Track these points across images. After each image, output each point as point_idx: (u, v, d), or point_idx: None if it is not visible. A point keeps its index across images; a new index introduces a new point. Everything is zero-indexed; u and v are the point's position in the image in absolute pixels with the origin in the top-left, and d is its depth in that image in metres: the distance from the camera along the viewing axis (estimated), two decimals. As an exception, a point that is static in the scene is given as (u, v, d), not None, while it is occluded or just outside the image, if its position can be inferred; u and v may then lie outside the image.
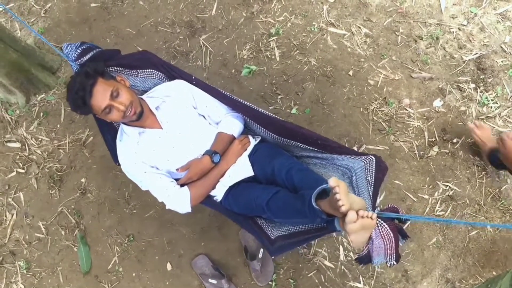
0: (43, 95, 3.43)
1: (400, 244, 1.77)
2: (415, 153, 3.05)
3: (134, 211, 3.12)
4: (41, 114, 3.39)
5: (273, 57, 3.39)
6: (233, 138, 2.36)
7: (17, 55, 3.17)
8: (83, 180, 3.21)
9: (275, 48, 3.41)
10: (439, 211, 2.94)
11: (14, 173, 3.27)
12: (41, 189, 3.21)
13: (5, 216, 3.19)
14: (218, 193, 2.33)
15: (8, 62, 3.11)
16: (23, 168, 3.26)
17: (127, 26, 3.57)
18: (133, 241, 3.07)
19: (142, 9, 3.63)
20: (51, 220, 3.16)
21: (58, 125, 3.35)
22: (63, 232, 3.12)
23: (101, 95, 2.07)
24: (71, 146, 3.29)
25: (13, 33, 3.27)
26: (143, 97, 2.36)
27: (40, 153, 3.29)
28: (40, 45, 3.56)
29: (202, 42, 3.47)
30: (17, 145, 3.33)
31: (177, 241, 3.05)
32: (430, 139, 3.08)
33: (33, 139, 3.33)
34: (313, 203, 1.81)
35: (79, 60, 2.19)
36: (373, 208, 1.80)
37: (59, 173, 3.22)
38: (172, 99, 2.34)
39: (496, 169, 2.95)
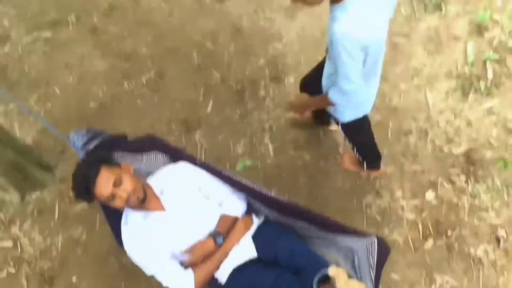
0: (38, 193, 3.44)
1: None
2: (410, 246, 3.03)
3: (127, 311, 3.04)
4: (35, 212, 3.39)
5: (267, 152, 3.45)
6: (236, 219, 2.36)
7: (14, 154, 3.22)
8: (74, 279, 3.14)
9: (269, 144, 3.49)
10: (439, 306, 2.89)
11: (4, 274, 3.20)
12: (31, 289, 3.15)
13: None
14: (222, 275, 2.30)
15: (5, 162, 3.15)
16: (14, 267, 3.21)
17: (124, 125, 3.66)
18: None
19: (139, 108, 3.75)
20: (40, 321, 3.06)
21: (52, 223, 3.34)
22: (52, 334, 3.02)
23: (104, 184, 2.10)
24: (64, 244, 3.26)
25: (11, 133, 3.35)
26: (147, 180, 2.40)
27: (32, 252, 3.26)
28: (38, 144, 3.63)
29: (198, 139, 3.56)
30: (9, 244, 3.30)
31: None
32: (424, 232, 3.08)
33: (26, 237, 3.30)
34: None
35: (85, 148, 2.25)
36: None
37: (50, 272, 3.16)
38: (176, 181, 2.37)
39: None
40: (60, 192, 3.43)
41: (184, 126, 3.63)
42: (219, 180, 2.42)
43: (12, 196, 3.38)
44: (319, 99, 2.53)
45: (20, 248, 3.27)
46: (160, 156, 2.50)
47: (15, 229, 3.33)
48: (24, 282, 3.15)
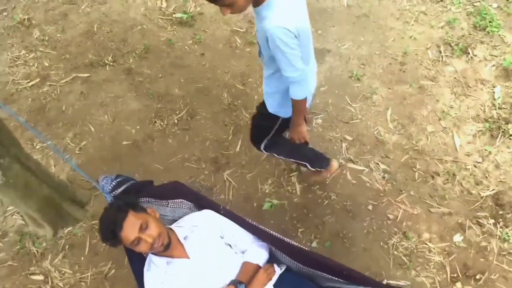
0: (70, 228, 3.52)
1: None
2: (438, 289, 3.00)
3: None
4: (67, 246, 3.46)
5: (294, 191, 3.49)
6: (258, 267, 2.36)
7: (49, 190, 3.32)
8: (102, 314, 3.19)
9: (296, 183, 3.52)
10: None
11: (34, 307, 3.27)
12: (60, 323, 3.20)
13: None
14: None
15: (41, 197, 3.25)
16: (44, 302, 3.28)
17: (155, 162, 3.76)
18: None
19: (170, 147, 3.84)
20: None
21: (82, 258, 3.41)
22: None
23: (130, 229, 2.14)
24: (93, 279, 3.31)
25: (47, 169, 3.47)
26: (172, 226, 2.43)
27: (62, 286, 3.31)
28: (72, 180, 3.73)
29: (226, 177, 3.62)
30: (40, 277, 3.36)
31: None
32: (452, 275, 3.04)
33: (56, 271, 3.37)
34: None
35: (114, 192, 2.32)
36: None
37: (79, 307, 3.22)
38: (200, 229, 2.40)
39: None
40: (91, 228, 3.50)
41: (213, 165, 3.70)
42: (242, 228, 2.44)
43: (46, 231, 3.48)
44: (296, 111, 2.60)
45: (51, 282, 3.33)
46: (185, 203, 2.54)
47: (46, 263, 3.40)
48: (54, 316, 3.21)
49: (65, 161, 3.77)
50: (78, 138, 3.99)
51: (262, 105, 2.76)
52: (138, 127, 4.00)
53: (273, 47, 2.18)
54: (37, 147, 3.98)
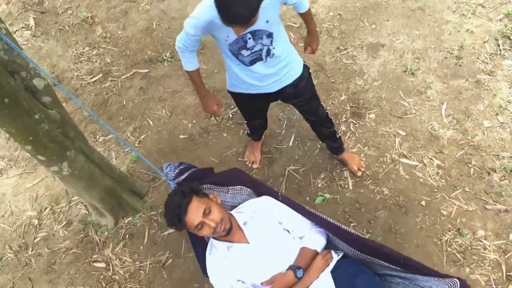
0: (130, 218, 3.68)
1: None
2: (493, 287, 2.96)
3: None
4: (127, 236, 3.61)
5: (346, 186, 3.51)
6: (316, 253, 2.39)
7: (111, 181, 3.47)
8: (160, 301, 3.32)
9: (348, 178, 3.54)
10: None
11: (97, 293, 3.44)
12: (120, 308, 3.35)
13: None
14: None
15: (104, 188, 3.40)
16: None
17: (210, 155, 3.86)
18: None
19: (225, 141, 3.94)
20: None
21: (141, 247, 3.55)
22: None
23: (195, 213, 2.22)
24: (151, 268, 3.45)
25: (109, 162, 3.63)
26: (232, 212, 2.49)
27: (123, 274, 3.46)
28: (132, 172, 3.89)
29: (279, 171, 3.68)
30: (102, 265, 3.53)
31: None
32: (508, 273, 2.99)
33: (117, 259, 3.53)
34: None
35: (177, 179, 2.42)
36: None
37: (138, 294, 3.36)
38: (259, 214, 2.45)
39: None
40: (150, 218, 3.65)
41: (266, 159, 3.77)
42: (300, 215, 2.48)
43: (107, 220, 3.65)
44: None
45: (112, 269, 3.49)
46: (244, 190, 2.59)
47: (107, 251, 3.56)
48: (115, 302, 3.37)
49: (128, 151, 3.92)
50: (137, 132, 4.15)
51: (304, 72, 2.93)
52: (194, 121, 4.11)
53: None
54: (100, 140, 4.16)
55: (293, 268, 2.32)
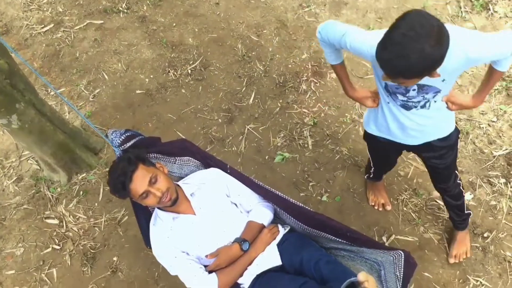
0: (84, 174, 3.58)
1: None
2: (445, 246, 3.03)
3: (163, 292, 3.14)
4: (81, 192, 3.53)
5: (306, 145, 3.50)
6: (262, 227, 2.40)
7: (64, 136, 3.36)
8: (115, 258, 3.26)
9: (308, 137, 3.53)
10: (471, 307, 2.88)
11: (49, 249, 3.34)
12: (74, 266, 3.27)
13: (37, 291, 3.25)
14: (245, 281, 2.34)
15: (55, 143, 3.29)
16: (59, 245, 3.34)
17: (168, 112, 3.77)
18: (160, 322, 3.07)
19: (183, 97, 3.85)
20: (80, 298, 3.20)
21: (96, 204, 3.47)
22: (92, 310, 3.15)
23: (140, 181, 2.16)
24: (106, 225, 3.38)
25: (62, 116, 3.49)
26: (179, 183, 2.45)
27: (76, 231, 3.39)
28: (86, 127, 3.76)
29: (238, 129, 3.63)
30: (55, 221, 3.44)
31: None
32: (460, 232, 3.07)
33: (71, 216, 3.44)
34: None
35: (123, 146, 2.33)
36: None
37: (92, 251, 3.29)
38: (207, 186, 2.43)
39: None
40: (105, 175, 3.54)
41: (226, 116, 3.71)
42: (248, 188, 2.46)
43: (60, 176, 3.54)
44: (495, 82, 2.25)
45: (65, 226, 3.41)
46: (192, 161, 2.55)
47: (61, 208, 3.47)
48: (68, 259, 3.28)
49: (75, 111, 3.79)
50: (91, 86, 4.00)
51: (442, 141, 2.41)
52: (151, 76, 4.00)
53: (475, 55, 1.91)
54: (52, 93, 4.00)
55: (239, 240, 2.33)
